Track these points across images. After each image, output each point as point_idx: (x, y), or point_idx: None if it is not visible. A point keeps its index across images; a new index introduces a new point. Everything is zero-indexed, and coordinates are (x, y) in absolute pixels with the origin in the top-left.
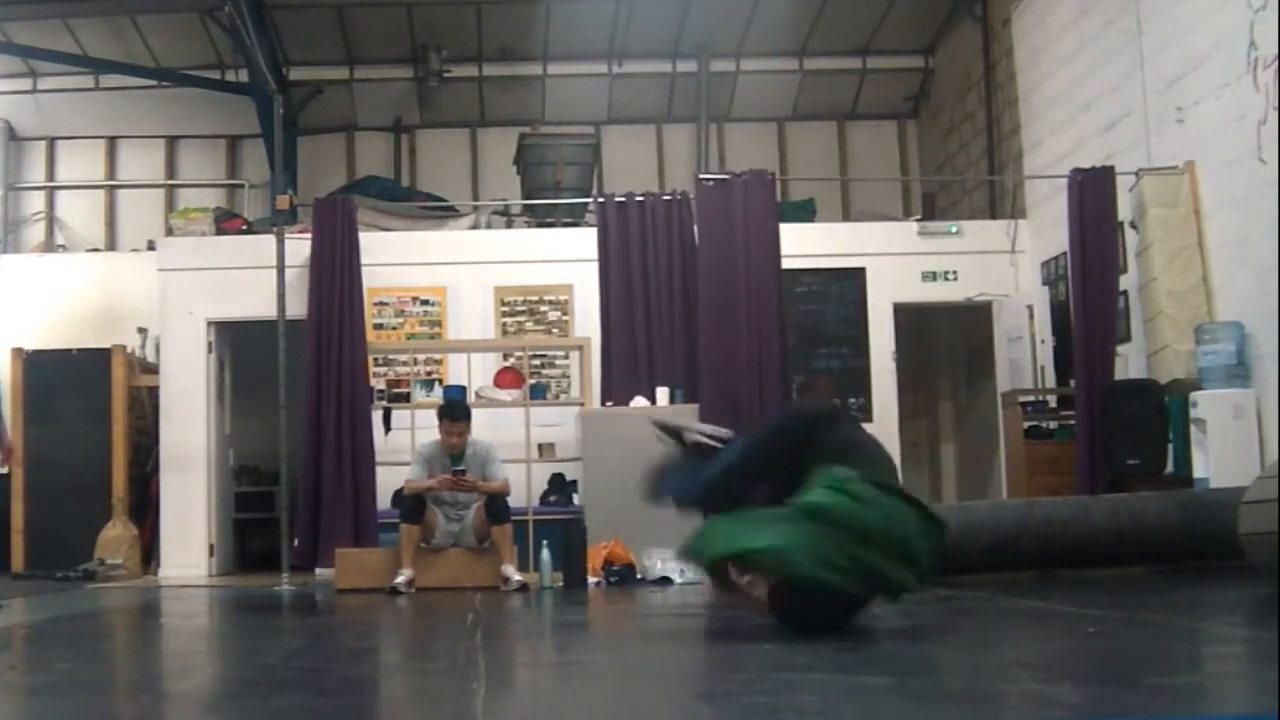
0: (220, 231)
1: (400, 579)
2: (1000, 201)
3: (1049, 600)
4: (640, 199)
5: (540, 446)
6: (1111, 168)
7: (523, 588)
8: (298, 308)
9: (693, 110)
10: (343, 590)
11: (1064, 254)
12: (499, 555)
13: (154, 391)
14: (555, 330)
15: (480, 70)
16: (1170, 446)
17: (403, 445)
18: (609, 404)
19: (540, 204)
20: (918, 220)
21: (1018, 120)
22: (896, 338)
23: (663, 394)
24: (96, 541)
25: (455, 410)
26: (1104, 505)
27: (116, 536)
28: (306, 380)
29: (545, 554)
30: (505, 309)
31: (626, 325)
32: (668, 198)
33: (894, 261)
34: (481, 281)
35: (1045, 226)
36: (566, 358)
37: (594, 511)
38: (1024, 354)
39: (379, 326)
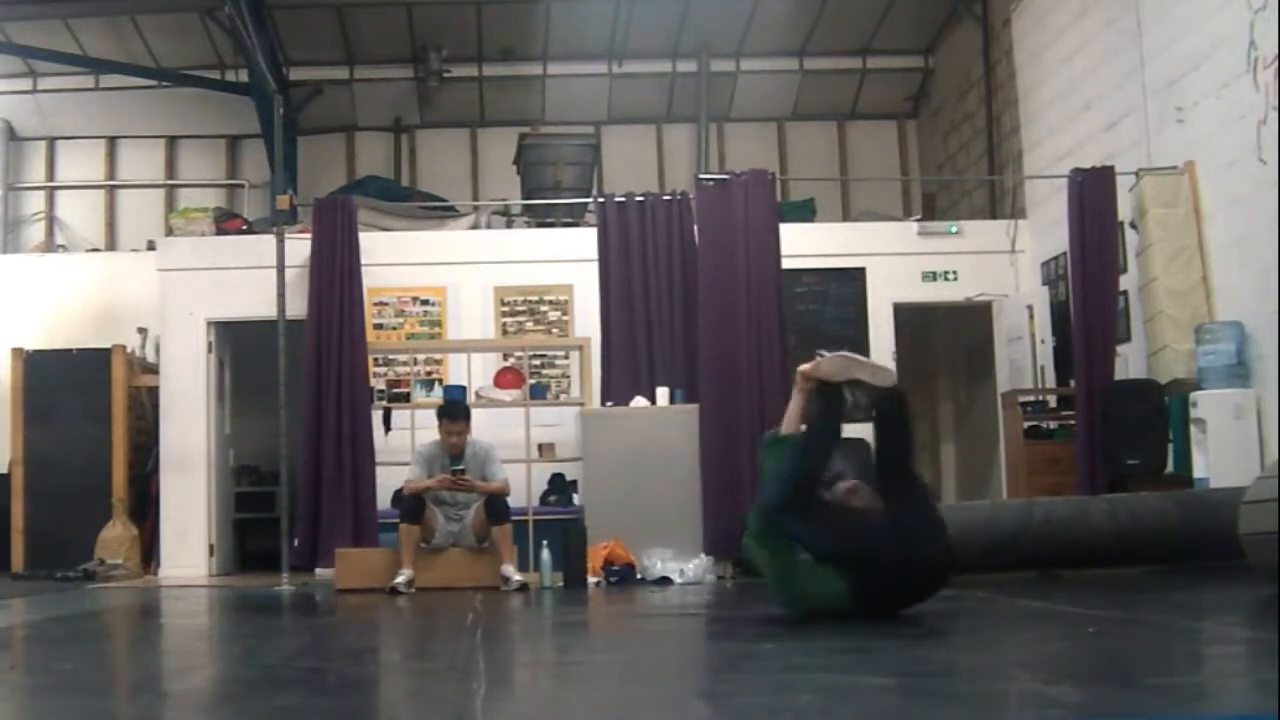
0: (220, 231)
1: (400, 579)
2: (1000, 201)
3: (1049, 600)
4: (640, 199)
5: (540, 446)
6: (1111, 168)
7: (523, 588)
8: (298, 308)
9: (693, 110)
10: (343, 590)
11: (1064, 254)
12: (499, 555)
13: (154, 391)
14: (555, 330)
15: (480, 70)
16: (1170, 446)
17: (403, 445)
18: (609, 404)
19: (540, 204)
20: (918, 220)
21: (1018, 120)
22: (896, 338)
23: (663, 394)
24: (96, 541)
25: (455, 410)
26: (1104, 505)
27: (116, 536)
28: (306, 380)
29: (545, 554)
30: (505, 309)
31: (626, 325)
32: (668, 198)
33: (894, 261)
34: (481, 281)
35: (1045, 226)
36: (566, 358)
37: (594, 511)
38: (1024, 354)
39: (379, 326)
